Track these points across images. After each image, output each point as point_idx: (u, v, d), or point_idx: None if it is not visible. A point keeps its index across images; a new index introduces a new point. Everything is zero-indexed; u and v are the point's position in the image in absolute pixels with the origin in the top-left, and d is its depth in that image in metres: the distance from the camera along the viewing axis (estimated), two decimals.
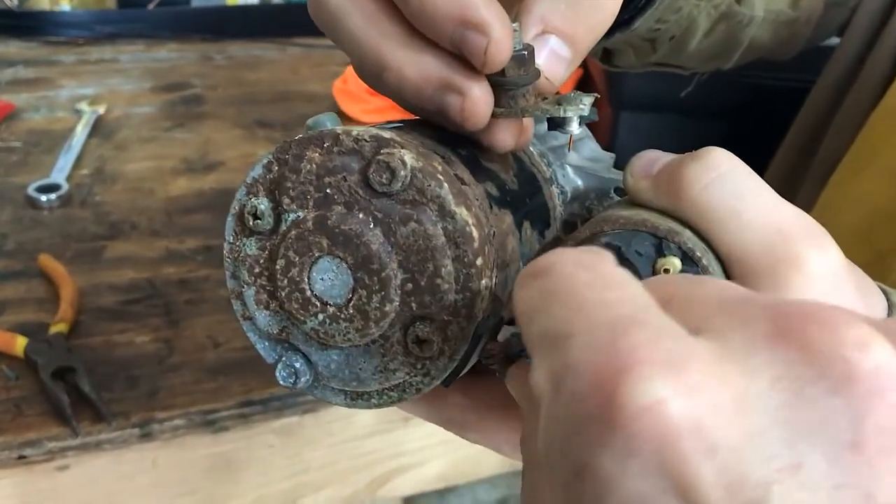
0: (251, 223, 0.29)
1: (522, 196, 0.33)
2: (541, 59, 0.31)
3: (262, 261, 0.30)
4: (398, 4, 0.30)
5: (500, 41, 0.28)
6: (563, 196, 0.37)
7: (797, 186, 0.67)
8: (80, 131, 1.08)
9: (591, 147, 0.41)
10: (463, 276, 0.27)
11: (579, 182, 0.38)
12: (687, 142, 0.90)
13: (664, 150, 0.33)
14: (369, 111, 1.13)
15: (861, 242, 0.57)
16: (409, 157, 0.27)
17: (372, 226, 0.28)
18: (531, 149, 0.37)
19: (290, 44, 1.44)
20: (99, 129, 1.11)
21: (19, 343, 0.67)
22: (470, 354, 0.29)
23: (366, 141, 0.28)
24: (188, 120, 1.15)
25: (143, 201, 0.93)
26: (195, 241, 0.86)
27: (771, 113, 0.77)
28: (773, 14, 0.59)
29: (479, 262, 0.28)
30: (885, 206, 0.56)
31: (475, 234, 0.28)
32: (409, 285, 0.28)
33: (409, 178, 0.27)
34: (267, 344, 0.31)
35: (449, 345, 0.28)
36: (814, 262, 0.29)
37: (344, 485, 0.71)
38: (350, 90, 1.17)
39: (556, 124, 0.32)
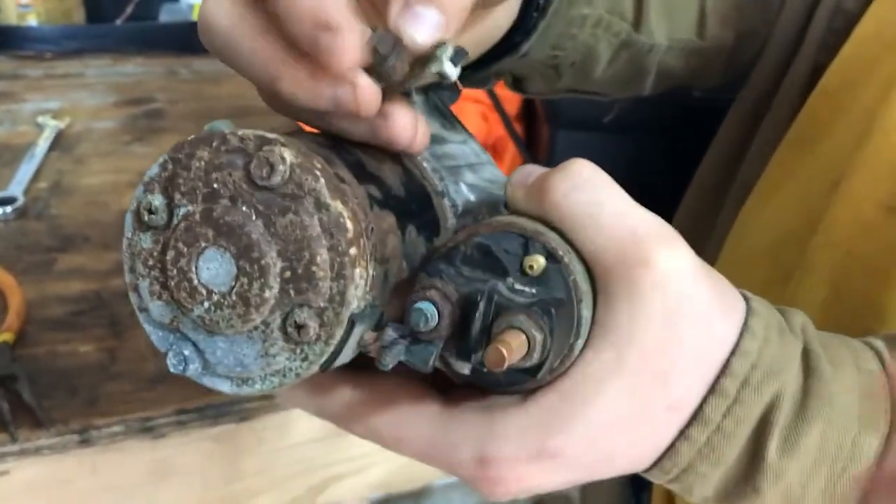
0: (146, 218, 0.32)
1: (408, 202, 0.36)
2: (410, 28, 0.32)
3: (155, 254, 0.32)
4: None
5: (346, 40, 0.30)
6: (455, 209, 0.39)
7: (719, 206, 0.69)
8: (41, 145, 1.10)
9: (492, 171, 0.44)
10: (337, 265, 0.30)
11: (472, 197, 0.40)
12: (623, 159, 0.94)
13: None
14: None
15: (769, 261, 0.60)
16: (288, 154, 0.30)
17: (254, 217, 0.30)
18: (424, 164, 0.39)
19: None
20: (60, 142, 1.13)
21: None
22: (345, 340, 0.31)
23: (250, 140, 0.30)
24: (147, 134, 1.17)
25: (97, 214, 0.95)
26: None
27: (707, 130, 0.79)
28: (680, 43, 0.61)
29: (352, 251, 0.30)
30: (791, 228, 0.59)
31: (349, 225, 0.30)
32: (288, 273, 0.30)
33: (287, 173, 0.30)
34: (160, 333, 0.33)
35: (325, 330, 0.30)
36: (663, 261, 0.31)
37: (282, 491, 0.73)
38: None
39: (442, 84, 0.34)
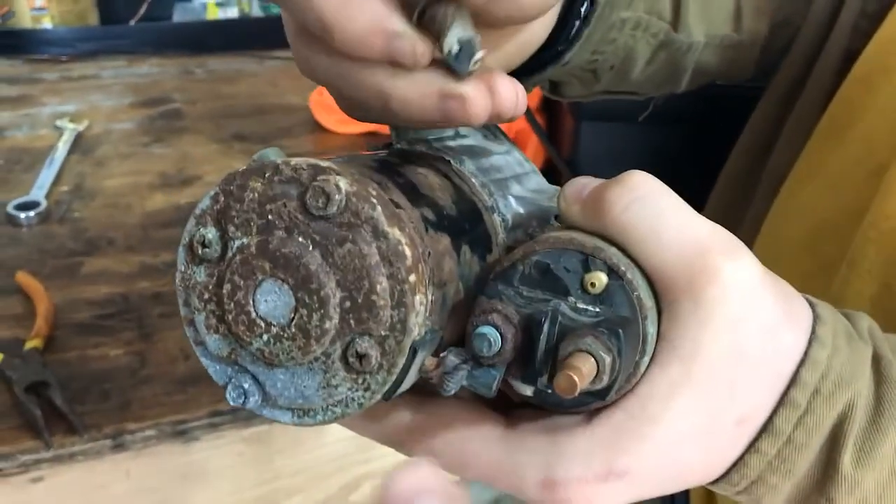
0: (200, 251, 0.31)
1: (461, 221, 0.35)
2: None
3: (210, 287, 0.31)
4: None
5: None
6: (505, 223, 0.38)
7: (749, 196, 0.68)
8: (61, 148, 1.10)
9: (537, 181, 0.43)
10: (397, 293, 0.29)
11: (521, 210, 0.39)
12: (648, 150, 0.92)
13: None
14: (344, 121, 1.15)
15: (807, 253, 0.59)
16: (343, 183, 0.29)
17: (311, 248, 0.29)
18: (473, 180, 0.39)
19: (269, 57, 1.46)
20: (79, 145, 1.13)
21: None
22: (408, 368, 0.30)
23: (303, 169, 0.30)
24: (167, 135, 1.17)
25: (120, 217, 0.95)
26: (170, 255, 0.87)
27: (732, 119, 0.79)
28: (716, 39, 0.60)
29: (412, 278, 0.29)
30: (828, 217, 0.57)
31: (408, 252, 0.29)
32: (348, 303, 0.29)
33: (343, 202, 0.29)
34: (218, 367, 0.32)
35: (387, 359, 0.30)
36: (728, 273, 0.31)
37: (315, 490, 0.72)
38: (326, 102, 1.19)
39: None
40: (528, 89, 0.52)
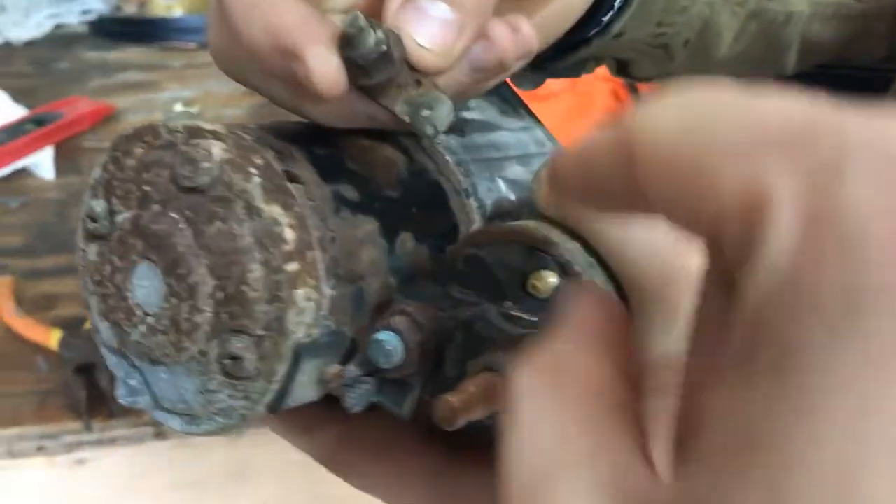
0: (90, 226, 0.27)
1: (407, 204, 0.29)
2: (416, 30, 0.26)
3: (100, 267, 0.27)
4: None
5: (318, 65, 0.24)
6: (483, 210, 0.32)
7: None
8: None
9: None
10: (272, 284, 0.24)
11: (512, 196, 0.33)
12: None
13: None
14: None
15: None
16: (216, 149, 0.24)
17: (182, 226, 0.25)
18: (446, 157, 0.32)
19: None
20: None
21: (54, 337, 0.68)
22: (292, 377, 0.25)
23: (179, 132, 0.25)
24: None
25: None
26: None
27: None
28: (830, 8, 0.51)
29: (290, 267, 0.24)
30: None
31: (287, 235, 0.24)
32: (220, 294, 0.25)
33: (216, 172, 0.24)
34: (115, 359, 0.28)
35: (264, 363, 0.25)
36: None
37: None
38: None
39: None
40: (583, 68, 0.45)
